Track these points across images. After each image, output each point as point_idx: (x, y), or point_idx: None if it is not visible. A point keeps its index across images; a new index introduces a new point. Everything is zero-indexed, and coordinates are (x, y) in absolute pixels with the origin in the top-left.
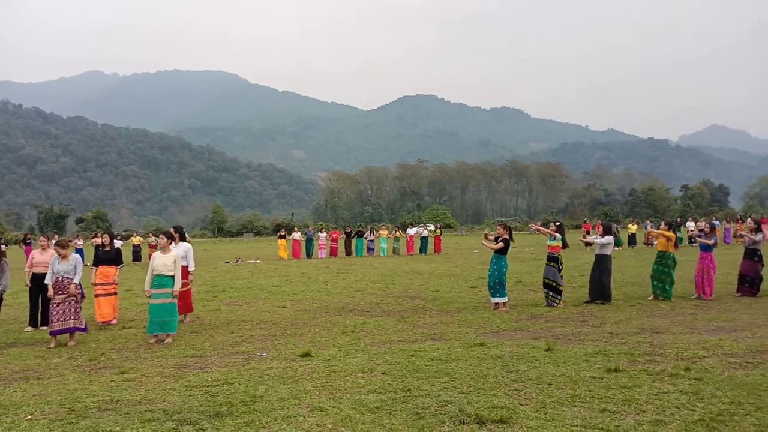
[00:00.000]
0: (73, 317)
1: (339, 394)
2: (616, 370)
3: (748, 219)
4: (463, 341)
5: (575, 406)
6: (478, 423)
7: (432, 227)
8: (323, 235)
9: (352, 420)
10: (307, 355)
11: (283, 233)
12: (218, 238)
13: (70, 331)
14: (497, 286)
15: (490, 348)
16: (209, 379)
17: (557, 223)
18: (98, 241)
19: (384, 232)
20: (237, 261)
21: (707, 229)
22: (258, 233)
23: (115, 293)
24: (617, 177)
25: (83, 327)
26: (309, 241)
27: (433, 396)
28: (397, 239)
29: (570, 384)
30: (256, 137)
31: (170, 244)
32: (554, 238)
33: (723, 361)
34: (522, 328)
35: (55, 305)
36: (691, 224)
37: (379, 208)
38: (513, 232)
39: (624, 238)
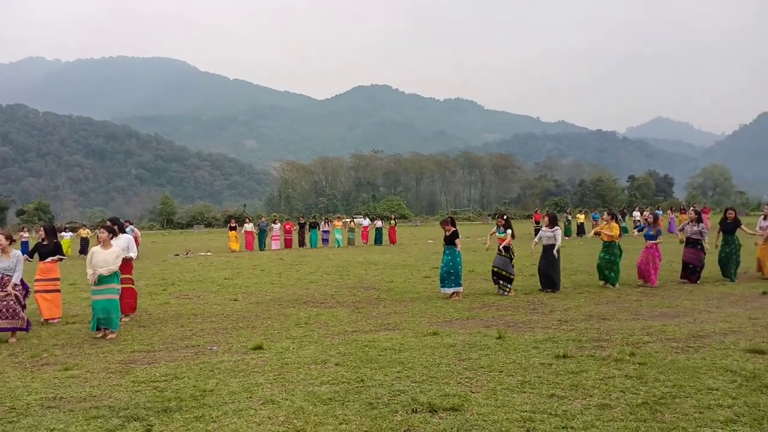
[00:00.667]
0: (11, 316)
1: (291, 387)
2: (564, 357)
3: (690, 209)
4: (416, 331)
5: (525, 392)
6: (430, 411)
7: (366, 221)
8: (277, 226)
9: (305, 412)
10: (259, 347)
11: (234, 224)
12: (167, 230)
13: (11, 330)
14: (451, 277)
15: (443, 337)
16: (157, 374)
17: (504, 217)
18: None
19: (338, 223)
20: (187, 253)
21: (651, 219)
22: (209, 225)
23: (57, 290)
24: (567, 168)
25: (24, 327)
26: (262, 233)
27: (386, 386)
28: (351, 230)
29: (520, 371)
30: (206, 126)
31: (111, 238)
32: (503, 231)
33: (666, 345)
34: (474, 316)
35: None
36: (636, 214)
37: (333, 198)
38: (457, 222)
39: (573, 227)
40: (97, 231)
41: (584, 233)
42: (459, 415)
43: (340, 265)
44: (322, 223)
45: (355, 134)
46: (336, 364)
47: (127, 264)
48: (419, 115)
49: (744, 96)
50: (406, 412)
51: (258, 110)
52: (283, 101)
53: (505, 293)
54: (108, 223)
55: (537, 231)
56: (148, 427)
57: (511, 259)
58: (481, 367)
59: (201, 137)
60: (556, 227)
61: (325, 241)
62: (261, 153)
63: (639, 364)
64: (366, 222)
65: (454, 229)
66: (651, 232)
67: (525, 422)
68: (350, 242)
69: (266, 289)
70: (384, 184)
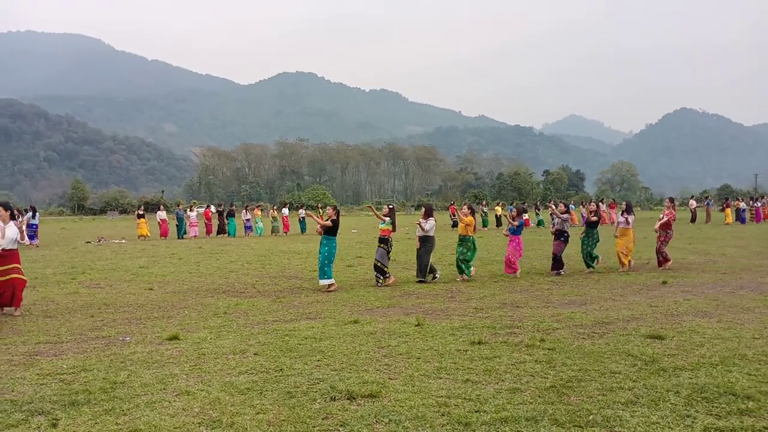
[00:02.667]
0: None
1: (208, 377)
2: (479, 343)
3: (560, 203)
4: (337, 319)
5: (441, 378)
6: (348, 399)
7: (286, 210)
8: (193, 213)
9: (221, 402)
10: (175, 338)
11: (141, 212)
12: (79, 216)
13: None
14: (326, 268)
15: (364, 325)
16: (64, 366)
17: (390, 207)
18: None
19: (258, 212)
20: (99, 241)
21: (514, 214)
22: (124, 211)
23: None
24: (487, 161)
25: None
26: (180, 221)
27: (305, 374)
28: (275, 218)
29: (437, 357)
30: (122, 109)
31: None
32: (384, 222)
33: (573, 332)
34: (395, 305)
35: None
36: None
37: (257, 186)
38: (380, 211)
39: (491, 219)
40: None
41: (501, 224)
42: (377, 402)
43: (262, 254)
44: (244, 211)
45: (279, 121)
46: (255, 354)
47: (14, 254)
48: (344, 105)
49: (650, 96)
50: (325, 400)
51: (178, 93)
52: (204, 84)
53: (379, 284)
54: None
55: (454, 223)
56: (54, 421)
57: (388, 252)
58: (400, 354)
59: (116, 120)
60: (432, 219)
61: (247, 228)
62: (180, 138)
63: (548, 349)
64: (286, 211)
65: (333, 216)
66: (515, 224)
67: (441, 407)
68: (274, 230)
69: (184, 278)
70: (309, 173)
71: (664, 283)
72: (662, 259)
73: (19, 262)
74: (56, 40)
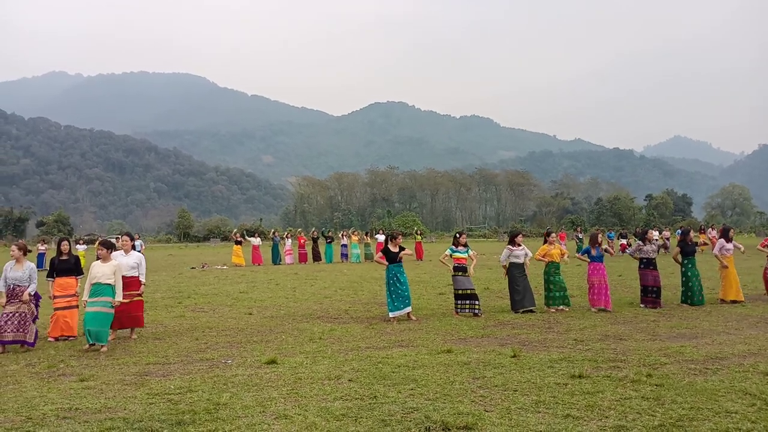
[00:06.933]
0: (19, 329)
1: (304, 402)
2: (580, 377)
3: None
4: (430, 348)
5: (539, 412)
6: (443, 429)
7: (381, 237)
8: (289, 240)
9: (318, 427)
10: (273, 362)
11: (239, 238)
12: (184, 243)
13: (20, 344)
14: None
15: (457, 354)
16: (172, 386)
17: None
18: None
19: (355, 238)
20: (203, 267)
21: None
22: (225, 239)
23: (77, 306)
24: (584, 186)
25: (31, 341)
26: (275, 247)
27: (399, 403)
28: (368, 245)
29: (535, 390)
30: (224, 142)
31: (110, 253)
32: (465, 251)
33: (683, 367)
34: (489, 334)
35: (6, 315)
36: (655, 233)
37: (349, 214)
38: (483, 239)
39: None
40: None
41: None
42: None
43: (354, 281)
44: (341, 236)
45: (370, 150)
46: (349, 380)
47: (134, 280)
48: (435, 132)
49: (764, 115)
50: (419, 430)
51: (275, 126)
52: (299, 117)
53: (480, 312)
54: (113, 238)
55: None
56: None
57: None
58: (496, 386)
59: (219, 152)
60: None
61: (343, 255)
62: (277, 168)
63: (656, 385)
64: (381, 238)
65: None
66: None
67: None
68: (368, 257)
69: (280, 303)
70: (399, 200)
71: None
72: None
73: (138, 288)
74: (166, 80)
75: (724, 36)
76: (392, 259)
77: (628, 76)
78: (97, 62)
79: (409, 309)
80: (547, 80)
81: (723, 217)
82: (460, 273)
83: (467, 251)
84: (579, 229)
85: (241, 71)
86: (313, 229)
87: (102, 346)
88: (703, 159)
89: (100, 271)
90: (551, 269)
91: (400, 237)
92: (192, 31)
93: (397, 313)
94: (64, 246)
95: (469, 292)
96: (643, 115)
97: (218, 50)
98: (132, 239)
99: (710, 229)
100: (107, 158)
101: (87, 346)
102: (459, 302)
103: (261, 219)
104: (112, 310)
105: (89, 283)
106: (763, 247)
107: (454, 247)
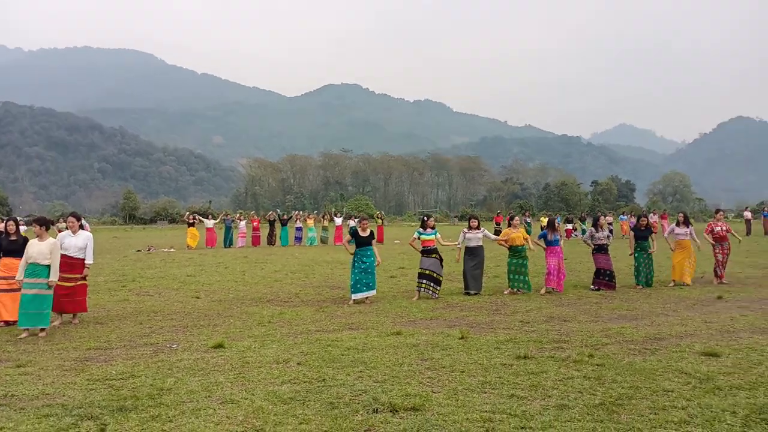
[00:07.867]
0: None
1: (252, 386)
2: (525, 357)
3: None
4: (380, 330)
5: (485, 393)
6: (391, 411)
7: (339, 220)
8: (243, 223)
9: (264, 411)
10: (220, 346)
11: (192, 220)
12: (130, 225)
13: None
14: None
15: (407, 337)
16: (113, 372)
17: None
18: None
19: (310, 221)
20: (149, 249)
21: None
22: (173, 221)
23: (20, 288)
24: (533, 172)
25: None
26: (228, 230)
27: (347, 385)
28: (325, 228)
29: (481, 371)
30: (172, 121)
31: (45, 230)
32: (431, 233)
33: (624, 347)
34: (438, 317)
35: None
36: (609, 218)
37: (301, 197)
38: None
39: (537, 230)
40: (61, 224)
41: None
42: (420, 415)
43: (306, 264)
44: (294, 219)
45: (324, 132)
46: (298, 364)
47: (80, 262)
48: (388, 116)
49: (705, 105)
50: (367, 412)
51: (226, 106)
52: (251, 97)
53: (435, 295)
54: (68, 216)
55: (497, 232)
56: (102, 426)
57: (441, 261)
58: (443, 367)
59: (167, 132)
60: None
61: (297, 239)
62: (228, 149)
63: (597, 365)
64: (339, 221)
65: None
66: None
67: (485, 422)
68: (323, 240)
69: (229, 287)
70: (352, 183)
71: (720, 298)
72: (720, 274)
73: (81, 271)
74: (111, 56)
75: (675, 25)
76: (360, 243)
77: (580, 56)
78: (38, 36)
79: (372, 293)
80: (498, 60)
81: (664, 203)
82: (426, 255)
83: (434, 233)
84: (527, 213)
85: (189, 49)
86: (270, 212)
87: (42, 330)
88: (647, 147)
89: (36, 250)
90: (513, 253)
91: (366, 221)
92: (139, 5)
93: (359, 296)
94: (10, 226)
95: (427, 272)
96: (590, 100)
97: (167, 26)
98: (78, 219)
99: (652, 214)
100: (48, 136)
101: (25, 334)
102: (420, 280)
103: (210, 201)
104: (51, 291)
105: (25, 261)
106: (707, 233)
107: (421, 230)
